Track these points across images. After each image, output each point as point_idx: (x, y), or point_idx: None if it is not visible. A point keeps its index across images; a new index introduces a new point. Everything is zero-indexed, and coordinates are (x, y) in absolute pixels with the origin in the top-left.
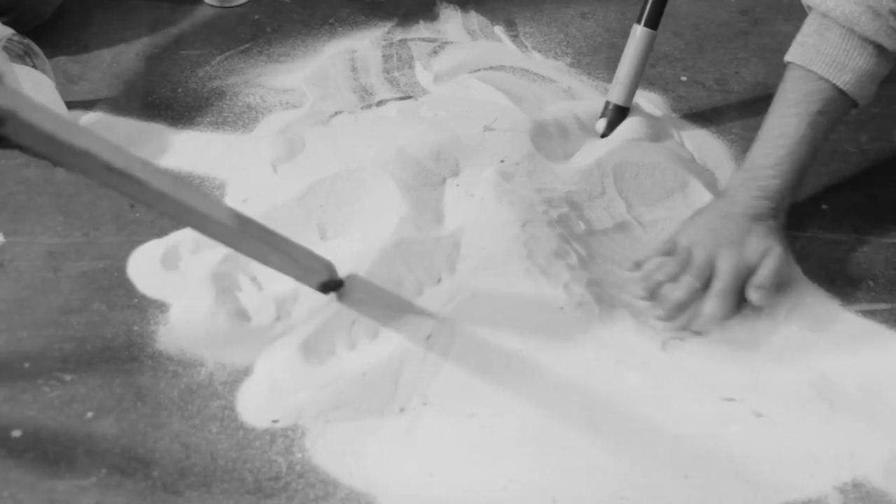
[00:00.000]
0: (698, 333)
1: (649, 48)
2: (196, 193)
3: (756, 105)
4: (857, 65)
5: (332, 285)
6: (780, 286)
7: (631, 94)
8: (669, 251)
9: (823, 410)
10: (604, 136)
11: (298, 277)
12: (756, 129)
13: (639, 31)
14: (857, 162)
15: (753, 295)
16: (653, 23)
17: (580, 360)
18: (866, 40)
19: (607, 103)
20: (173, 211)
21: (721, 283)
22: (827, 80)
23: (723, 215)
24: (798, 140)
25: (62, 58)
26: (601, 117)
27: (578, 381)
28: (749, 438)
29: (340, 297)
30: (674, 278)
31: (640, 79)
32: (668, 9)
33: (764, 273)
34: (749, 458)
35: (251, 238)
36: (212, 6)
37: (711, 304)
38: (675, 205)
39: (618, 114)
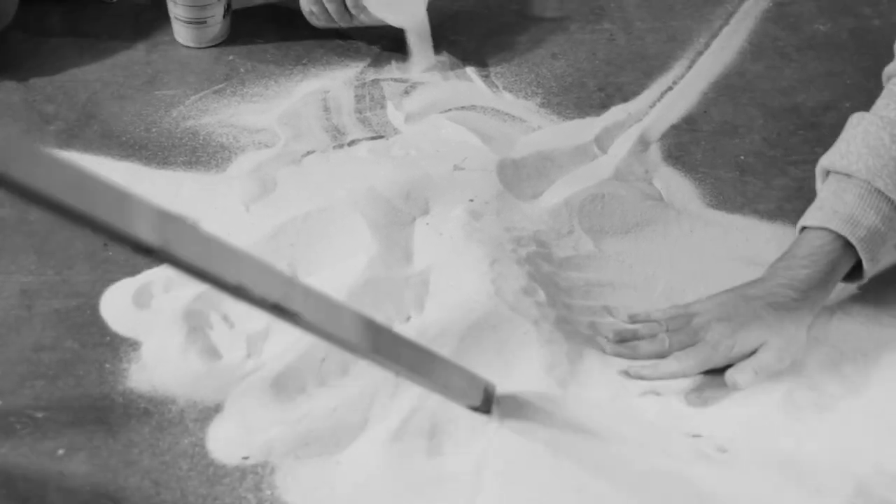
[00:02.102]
0: (640, 378)
1: None
2: (354, 323)
3: (724, 144)
4: (870, 222)
5: (485, 407)
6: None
7: None
8: (676, 314)
9: (789, 445)
10: None
11: (452, 398)
12: (724, 167)
13: None
14: None
15: (728, 379)
16: None
17: (546, 397)
18: (883, 196)
19: None
20: (330, 341)
21: (695, 351)
22: (841, 236)
23: (743, 296)
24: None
25: (38, 97)
26: None
27: (544, 417)
28: (715, 475)
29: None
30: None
31: None
32: (636, 48)
33: (750, 363)
34: (715, 496)
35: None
36: (186, 47)
37: (669, 363)
38: (640, 237)
39: None
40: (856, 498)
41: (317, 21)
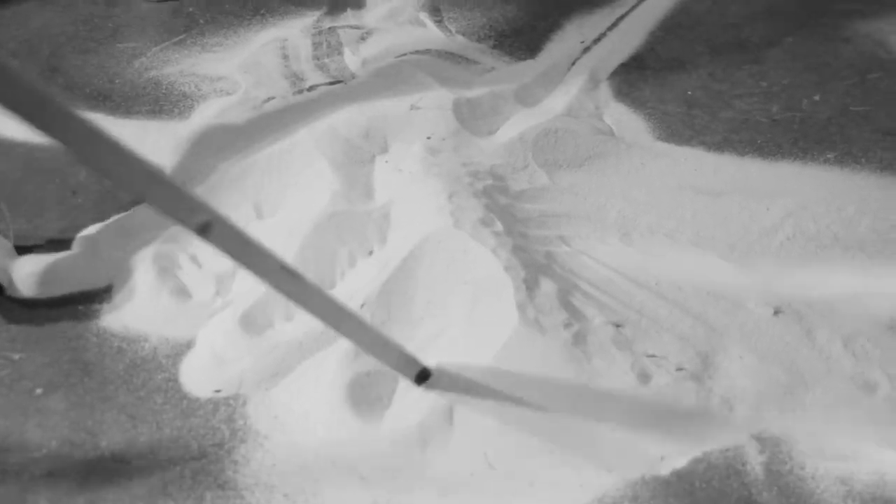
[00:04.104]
0: None
1: None
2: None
3: (671, 80)
4: None
5: (421, 377)
6: None
7: None
8: None
9: (741, 362)
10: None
11: (396, 368)
12: (671, 102)
13: None
14: (768, 131)
15: None
16: None
17: (506, 321)
18: None
19: None
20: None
21: None
22: None
23: None
24: None
25: (1, 52)
26: None
27: (506, 341)
28: (670, 392)
29: (430, 386)
30: None
31: None
32: None
33: None
34: (670, 411)
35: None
36: (146, 0)
37: None
38: (592, 170)
39: None
40: (799, 411)
41: None
